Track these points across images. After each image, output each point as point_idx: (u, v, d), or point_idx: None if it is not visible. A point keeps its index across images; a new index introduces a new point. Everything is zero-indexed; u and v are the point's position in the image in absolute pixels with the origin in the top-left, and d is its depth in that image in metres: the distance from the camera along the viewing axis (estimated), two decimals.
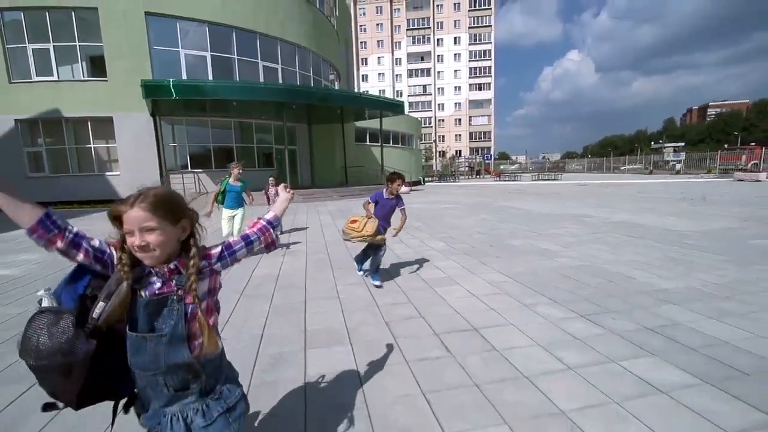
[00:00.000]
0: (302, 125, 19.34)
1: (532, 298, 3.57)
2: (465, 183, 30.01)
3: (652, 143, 59.38)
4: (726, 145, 43.05)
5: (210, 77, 15.35)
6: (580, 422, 1.84)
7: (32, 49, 13.75)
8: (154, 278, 1.03)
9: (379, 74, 66.91)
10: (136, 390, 1.11)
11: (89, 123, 14.33)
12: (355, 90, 42.23)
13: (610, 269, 4.47)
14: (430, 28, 66.03)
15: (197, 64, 15.26)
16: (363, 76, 65.41)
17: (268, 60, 17.11)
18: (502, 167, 49.44)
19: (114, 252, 1.02)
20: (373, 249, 4.12)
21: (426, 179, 33.01)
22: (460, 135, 68.89)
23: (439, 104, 68.67)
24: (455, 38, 66.18)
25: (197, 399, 1.07)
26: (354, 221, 3.99)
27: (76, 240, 0.98)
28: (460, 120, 68.69)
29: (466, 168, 43.94)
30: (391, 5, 65.21)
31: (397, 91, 67.50)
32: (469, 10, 65.16)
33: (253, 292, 3.98)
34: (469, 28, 65.67)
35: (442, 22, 66.16)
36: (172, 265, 1.03)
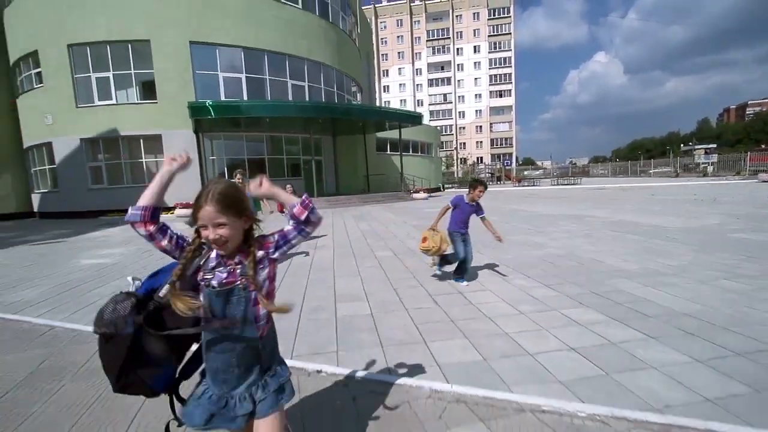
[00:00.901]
0: (327, 137, 20.75)
1: (512, 275, 4.52)
2: None
3: (682, 145, 57.55)
4: (764, 146, 41.46)
5: (245, 96, 16.99)
6: (517, 339, 2.81)
7: (95, 77, 15.80)
8: (221, 269, 1.15)
9: (400, 85, 68.51)
10: (202, 377, 1.23)
11: (141, 140, 16.20)
12: (377, 101, 43.77)
13: (585, 256, 5.32)
14: (449, 38, 67.23)
15: (234, 85, 16.94)
16: (384, 86, 67.17)
17: (296, 78, 18.66)
18: (525, 173, 49.46)
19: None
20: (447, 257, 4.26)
21: (446, 186, 33.83)
22: (481, 142, 69.25)
23: (459, 112, 69.42)
24: (475, 47, 67.02)
25: (258, 377, 1.19)
26: (424, 239, 4.20)
27: (164, 227, 1.16)
28: (481, 127, 69.11)
29: (488, 174, 44.38)
30: (411, 17, 66.93)
31: (418, 101, 68.81)
32: (488, 19, 65.96)
33: (294, 272, 5.11)
34: (488, 36, 66.40)
35: (461, 32, 67.24)
36: (236, 259, 1.16)
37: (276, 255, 1.19)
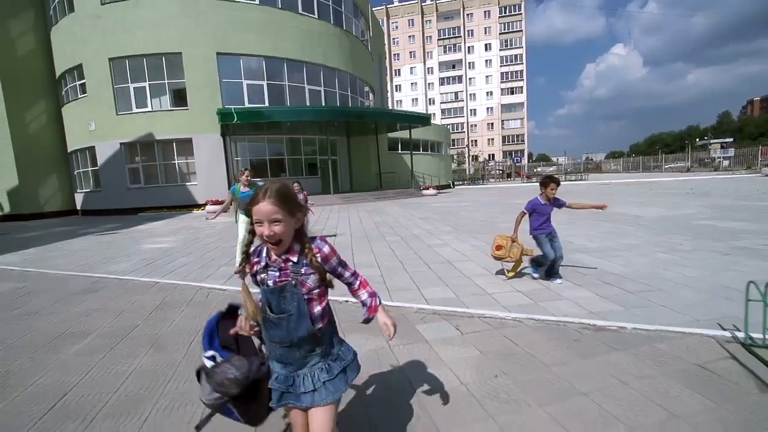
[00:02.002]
0: (342, 138, 22.06)
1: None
2: (492, 185, 31.49)
3: (697, 140, 56.84)
4: None
5: (266, 101, 18.42)
6: (483, 286, 3.99)
7: (133, 87, 17.46)
8: (273, 267, 1.23)
9: (412, 84, 69.46)
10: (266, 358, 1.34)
11: (174, 144, 17.80)
12: (388, 101, 44.91)
13: (563, 238, 6.42)
14: (460, 36, 67.81)
15: (256, 91, 18.39)
16: (396, 86, 68.24)
17: (313, 84, 20.01)
18: (537, 169, 49.88)
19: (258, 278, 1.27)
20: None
21: (457, 183, 34.79)
22: (492, 139, 69.68)
23: (471, 110, 69.98)
24: (486, 44, 67.44)
25: (320, 360, 1.27)
26: (499, 247, 4.00)
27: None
28: (492, 124, 69.54)
29: (499, 171, 45.06)
30: (423, 17, 67.77)
31: (430, 99, 69.65)
32: (499, 17, 66.29)
33: None
34: (499, 34, 66.73)
35: (472, 30, 67.74)
36: (284, 257, 1.23)
37: (328, 268, 1.29)
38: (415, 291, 3.94)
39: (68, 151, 20.11)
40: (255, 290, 1.28)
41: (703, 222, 7.36)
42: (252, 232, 1.21)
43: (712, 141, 51.17)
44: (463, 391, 2.10)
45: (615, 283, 3.90)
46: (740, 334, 2.55)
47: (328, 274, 1.29)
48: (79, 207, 20.34)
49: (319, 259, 1.25)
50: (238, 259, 4.80)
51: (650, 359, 2.36)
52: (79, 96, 18.48)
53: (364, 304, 1.38)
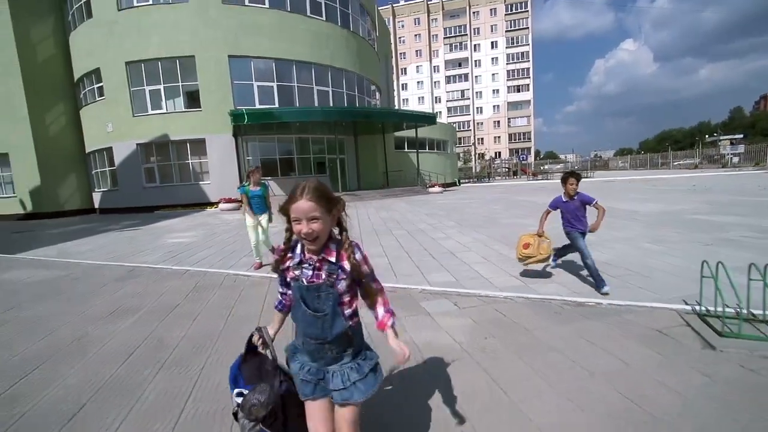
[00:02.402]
0: (350, 137, 22.54)
1: (496, 243, 6.10)
2: (498, 183, 31.77)
3: (707, 136, 56.29)
4: None
5: (276, 102, 18.97)
6: (480, 271, 4.43)
7: (149, 90, 18.13)
8: (306, 266, 1.25)
9: (418, 82, 69.72)
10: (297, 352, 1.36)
11: (188, 144, 18.44)
12: (395, 100, 45.34)
13: (554, 232, 6.82)
14: (467, 34, 67.87)
15: (266, 93, 18.94)
16: (403, 85, 68.56)
17: (321, 85, 20.51)
18: (545, 167, 49.90)
19: (286, 275, 1.32)
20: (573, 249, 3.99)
21: (463, 181, 35.10)
22: (499, 137, 69.70)
23: (477, 108, 70.05)
24: (492, 42, 67.43)
25: (351, 360, 1.30)
26: (527, 245, 3.88)
27: (283, 293, 1.41)
28: (498, 122, 69.55)
29: (505, 169, 45.23)
30: (429, 16, 67.94)
31: (436, 97, 69.84)
32: (505, 15, 66.21)
33: None
34: (506, 31, 66.66)
35: (478, 28, 67.75)
36: (320, 256, 1.24)
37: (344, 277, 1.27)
38: (420, 276, 4.40)
39: (86, 151, 20.87)
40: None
41: (697, 216, 7.69)
42: (289, 230, 1.25)
43: (721, 138, 50.77)
44: (458, 348, 2.55)
45: (601, 269, 4.30)
46: (699, 307, 2.96)
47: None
48: (96, 206, 21.10)
49: (357, 257, 1.27)
50: (256, 255, 5.21)
51: (617, 326, 2.80)
52: (97, 99, 19.19)
53: (376, 317, 1.36)
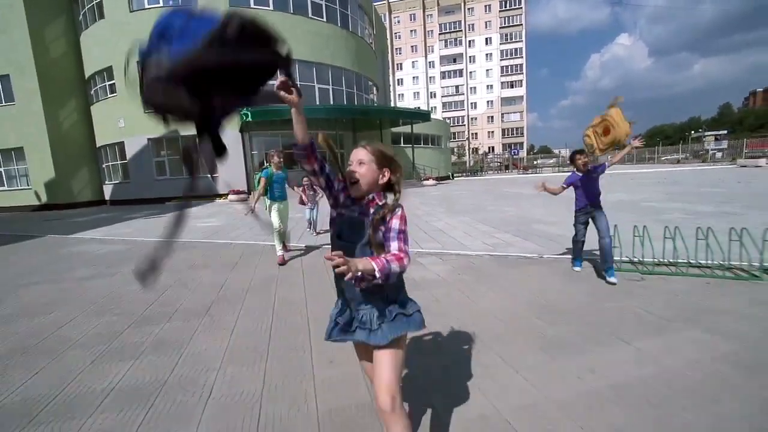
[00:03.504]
0: (348, 133, 23.74)
1: (478, 224, 7.46)
2: (489, 177, 33.18)
3: (693, 132, 58.20)
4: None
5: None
6: (463, 241, 5.78)
7: None
8: (355, 207, 1.34)
9: (414, 78, 70.71)
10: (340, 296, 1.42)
11: (196, 139, 19.53)
12: (391, 95, 46.45)
13: (529, 216, 8.21)
14: (461, 30, 68.87)
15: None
16: (398, 80, 69.52)
17: (322, 83, 21.67)
18: (537, 162, 51.39)
19: (336, 183, 1.37)
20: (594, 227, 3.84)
21: (457, 174, 36.47)
22: (492, 132, 71.10)
23: (471, 103, 71.30)
24: (486, 39, 68.52)
25: (383, 303, 1.33)
26: (589, 134, 3.80)
27: (322, 165, 1.36)
28: (492, 117, 70.91)
29: (498, 163, 46.68)
30: (424, 12, 68.78)
31: (431, 93, 70.93)
32: (500, 11, 67.25)
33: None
34: (500, 28, 67.76)
35: (473, 24, 68.76)
36: (370, 197, 1.33)
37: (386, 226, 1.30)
38: (415, 245, 5.74)
39: (97, 146, 21.89)
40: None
41: (648, 204, 9.10)
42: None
43: (706, 133, 52.54)
44: (440, 279, 3.91)
45: (552, 239, 5.69)
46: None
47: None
48: (107, 197, 22.18)
49: (397, 215, 1.29)
50: (278, 246, 4.95)
51: (548, 269, 4.17)
52: (109, 95, 20.21)
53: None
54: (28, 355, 2.69)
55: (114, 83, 19.71)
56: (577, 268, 4.09)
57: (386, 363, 1.27)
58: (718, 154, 39.94)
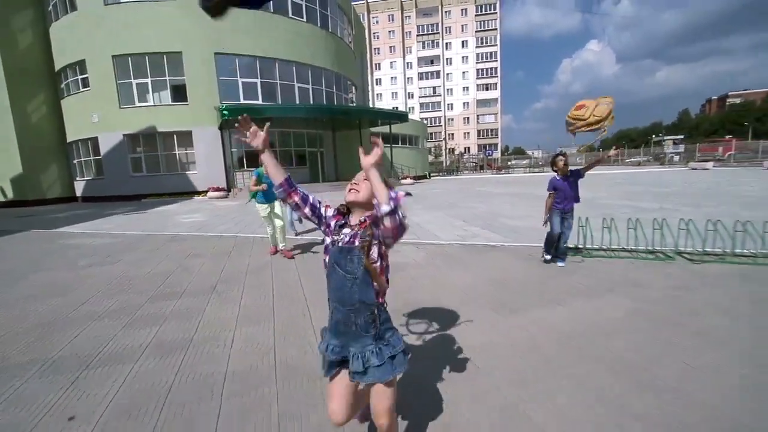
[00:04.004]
0: (328, 132, 24.13)
1: (451, 219, 8.15)
2: (464, 176, 34.32)
3: (653, 136, 61.88)
4: (717, 138, 45.71)
5: (260, 98, 20.27)
6: (437, 233, 6.44)
7: (136, 83, 18.94)
8: (347, 230, 1.36)
9: (392, 78, 71.44)
10: (330, 322, 1.43)
11: (175, 135, 19.44)
12: (369, 94, 46.95)
13: (497, 212, 8.98)
14: (439, 33, 70.16)
15: (250, 88, 20.19)
16: (377, 80, 70.05)
17: (302, 82, 21.94)
18: (511, 162, 53.25)
19: (323, 209, 1.43)
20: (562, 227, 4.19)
21: (434, 174, 37.43)
22: (468, 133, 72.87)
23: (448, 104, 72.78)
24: (463, 42, 70.13)
25: (373, 342, 1.35)
26: (580, 107, 3.81)
27: (304, 197, 1.43)
28: (468, 119, 72.67)
29: (473, 163, 48.07)
30: (402, 13, 69.60)
31: (409, 93, 71.88)
32: (475, 15, 68.97)
33: None
34: (476, 31, 69.50)
35: (450, 27, 70.20)
36: (360, 220, 1.35)
37: (377, 242, 1.32)
38: None
39: (68, 141, 21.30)
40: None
41: (602, 201, 10.09)
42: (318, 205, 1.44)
43: (665, 138, 56.00)
44: (416, 263, 4.53)
45: (515, 231, 6.44)
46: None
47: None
48: (78, 194, 21.62)
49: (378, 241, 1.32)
50: (281, 243, 5.16)
51: (507, 254, 4.87)
52: (81, 89, 19.73)
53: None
54: (59, 326, 3.09)
55: (87, 77, 19.27)
56: (548, 256, 4.43)
57: (385, 393, 1.36)
58: (676, 158, 42.75)
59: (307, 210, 1.42)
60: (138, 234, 7.60)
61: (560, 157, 4.14)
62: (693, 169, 23.88)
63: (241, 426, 1.79)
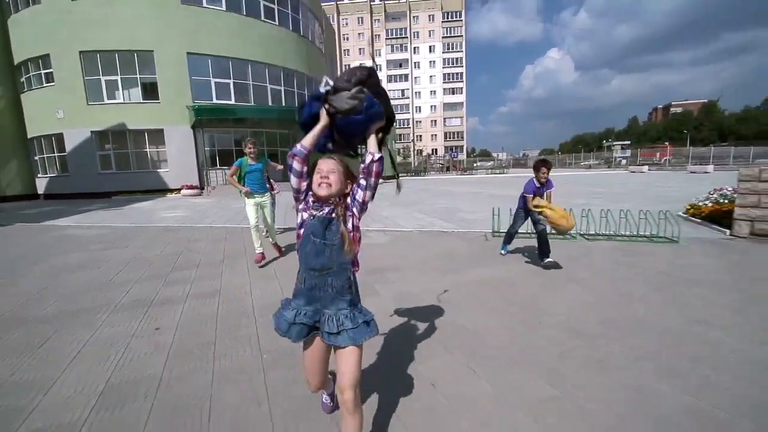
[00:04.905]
0: (301, 133, 24.81)
1: (414, 213, 9.38)
2: (430, 177, 36.03)
3: (604, 141, 67.12)
4: (657, 144, 50.54)
5: (233, 98, 20.73)
6: (402, 224, 7.64)
7: (104, 80, 18.87)
8: (325, 207, 1.48)
9: None
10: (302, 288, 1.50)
11: (146, 133, 19.52)
12: None
13: (455, 208, 10.34)
14: (407, 37, 72.03)
15: (223, 89, 20.61)
16: None
17: (274, 83, 22.58)
18: (477, 164, 55.77)
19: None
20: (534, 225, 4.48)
21: (402, 174, 38.86)
22: (435, 135, 75.29)
23: (416, 107, 74.85)
24: (430, 46, 72.44)
25: (347, 307, 1.48)
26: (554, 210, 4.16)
27: (307, 173, 1.51)
28: (435, 121, 75.10)
29: (440, 165, 50.05)
30: (372, 16, 70.82)
31: None
32: (442, 21, 71.47)
33: None
34: (442, 37, 72.01)
35: (418, 32, 72.28)
36: (336, 200, 1.49)
37: (354, 210, 1.51)
38: (365, 226, 7.48)
39: (28, 137, 20.74)
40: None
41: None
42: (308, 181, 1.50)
43: (614, 143, 60.84)
44: (382, 244, 5.70)
45: (467, 222, 7.76)
46: (489, 231, 6.42)
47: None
48: (41, 191, 21.08)
49: (354, 211, 1.52)
50: (257, 244, 4.69)
51: (456, 237, 6.14)
52: (45, 84, 19.34)
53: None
54: (107, 287, 3.97)
55: (51, 72, 18.96)
56: (503, 252, 4.91)
57: (352, 361, 1.43)
58: (624, 161, 46.79)
59: (303, 183, 1.51)
60: (127, 226, 8.25)
61: (544, 169, 4.33)
62: (632, 172, 26.73)
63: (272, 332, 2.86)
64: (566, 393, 2.02)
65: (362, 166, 1.52)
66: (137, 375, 2.27)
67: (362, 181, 1.50)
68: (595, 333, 2.72)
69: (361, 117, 1.50)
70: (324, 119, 1.54)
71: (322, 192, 1.46)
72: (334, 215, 1.47)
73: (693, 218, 7.14)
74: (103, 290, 3.86)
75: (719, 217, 6.49)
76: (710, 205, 7.08)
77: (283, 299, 1.57)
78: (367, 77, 1.56)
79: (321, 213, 1.47)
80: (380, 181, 1.55)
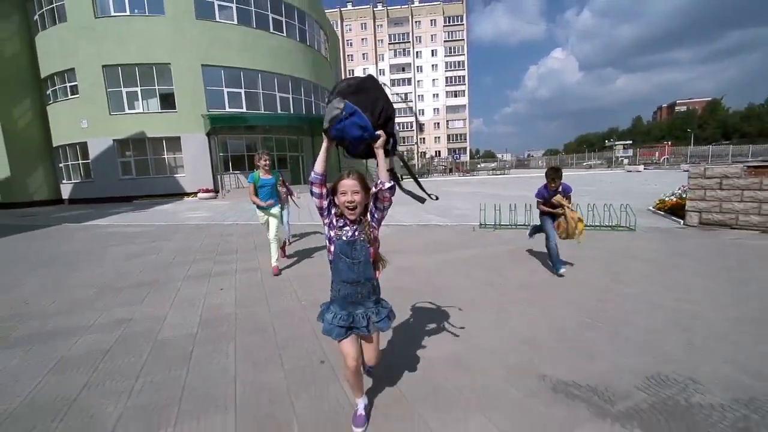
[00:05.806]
0: (307, 137, 26.02)
1: (415, 210, 10.43)
2: (433, 178, 37.06)
3: (606, 141, 67.59)
4: (656, 144, 51.04)
5: (244, 106, 21.97)
6: (403, 219, 8.70)
7: (125, 91, 20.19)
8: (347, 228, 1.71)
9: None
10: (337, 296, 1.81)
11: (164, 141, 20.80)
12: None
13: (452, 206, 11.37)
14: (410, 42, 73.31)
15: (235, 97, 21.86)
16: None
17: (282, 92, 23.80)
18: (480, 165, 56.70)
19: (330, 208, 1.73)
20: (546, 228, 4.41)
21: (405, 177, 39.79)
22: (439, 137, 76.35)
23: (419, 110, 75.98)
24: (433, 50, 73.64)
25: (373, 305, 1.83)
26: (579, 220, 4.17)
27: (327, 193, 1.72)
28: (438, 124, 76.17)
29: (443, 167, 51.07)
30: (374, 21, 72.24)
31: None
32: (444, 26, 72.66)
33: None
34: (444, 41, 73.18)
35: (420, 36, 73.54)
36: (358, 220, 1.70)
37: (374, 224, 1.78)
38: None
39: (54, 145, 22.13)
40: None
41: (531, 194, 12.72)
42: (332, 202, 1.73)
43: (616, 143, 61.42)
44: (384, 235, 6.77)
45: (461, 217, 8.80)
46: (478, 223, 7.46)
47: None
48: (65, 196, 22.43)
49: (374, 227, 1.79)
50: (274, 257, 4.65)
51: (449, 229, 7.20)
52: (70, 96, 20.70)
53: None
54: (176, 264, 5.07)
55: (76, 85, 20.31)
56: (562, 272, 4.18)
57: (375, 344, 1.89)
58: (626, 161, 47.42)
59: (325, 202, 1.72)
60: (162, 224, 9.40)
61: (555, 178, 4.28)
62: (629, 171, 27.52)
63: (307, 287, 3.93)
64: (505, 321, 3.07)
65: (373, 190, 1.73)
66: (219, 313, 3.37)
67: (378, 203, 1.78)
68: (537, 284, 3.78)
69: (346, 122, 1.68)
70: (325, 141, 1.78)
71: (353, 217, 1.71)
72: (357, 234, 1.73)
73: (659, 211, 8.13)
74: (169, 269, 4.97)
75: (678, 209, 7.47)
76: (674, 199, 8.06)
77: (323, 304, 1.90)
78: (347, 87, 1.79)
79: (344, 234, 1.72)
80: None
